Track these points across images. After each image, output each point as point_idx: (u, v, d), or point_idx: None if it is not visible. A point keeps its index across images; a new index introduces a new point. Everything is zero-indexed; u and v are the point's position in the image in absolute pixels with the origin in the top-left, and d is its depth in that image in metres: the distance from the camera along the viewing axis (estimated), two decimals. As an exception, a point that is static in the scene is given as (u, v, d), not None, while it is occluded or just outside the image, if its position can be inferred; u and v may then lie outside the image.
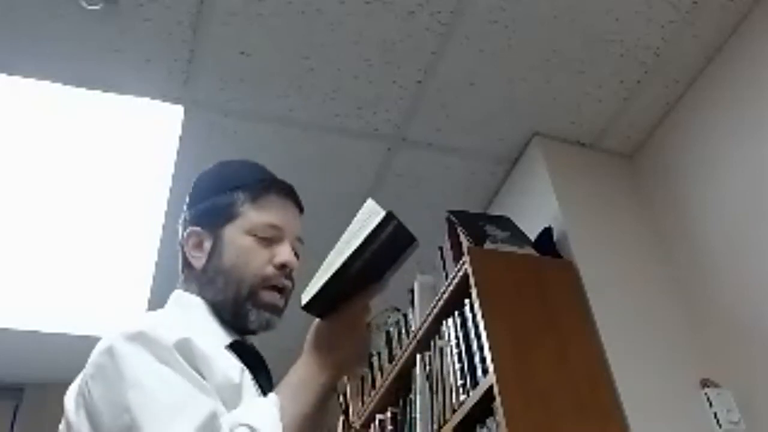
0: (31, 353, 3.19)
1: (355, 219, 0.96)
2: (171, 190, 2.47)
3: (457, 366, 1.99)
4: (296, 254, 1.09)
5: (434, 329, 2.20)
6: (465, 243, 2.09)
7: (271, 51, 2.06)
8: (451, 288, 2.09)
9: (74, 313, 3.02)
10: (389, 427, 2.44)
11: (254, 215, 1.07)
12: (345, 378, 2.72)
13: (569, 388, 1.81)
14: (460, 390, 1.95)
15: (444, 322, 2.14)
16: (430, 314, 2.21)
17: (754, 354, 1.91)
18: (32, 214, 2.53)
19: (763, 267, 1.92)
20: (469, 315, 1.99)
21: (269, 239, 1.06)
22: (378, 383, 2.64)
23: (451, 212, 2.23)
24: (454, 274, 2.09)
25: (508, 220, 2.28)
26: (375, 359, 2.80)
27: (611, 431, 1.79)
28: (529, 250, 2.13)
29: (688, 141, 2.26)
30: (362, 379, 2.90)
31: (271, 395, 0.91)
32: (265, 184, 1.10)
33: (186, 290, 1.08)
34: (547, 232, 2.21)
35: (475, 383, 1.89)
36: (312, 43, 2.05)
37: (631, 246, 2.27)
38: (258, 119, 2.27)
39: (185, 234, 1.10)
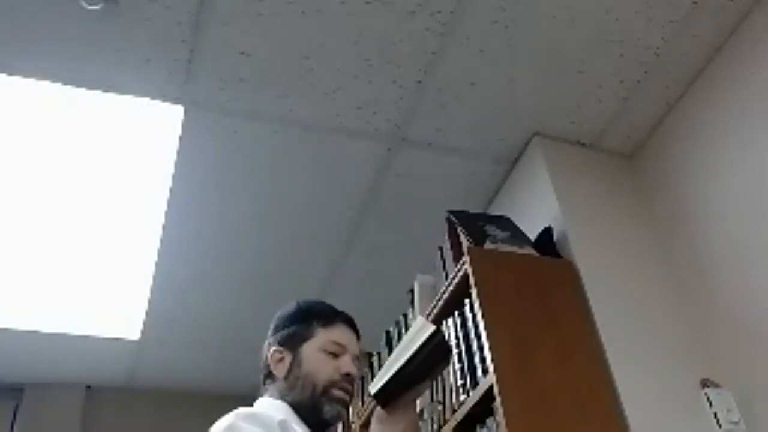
0: (31, 353, 3.19)
1: (410, 329, 1.32)
2: (171, 190, 2.47)
3: (457, 366, 1.99)
4: (356, 368, 1.38)
5: (434, 329, 2.20)
6: (465, 243, 2.09)
7: (271, 51, 2.06)
8: (451, 288, 2.10)
9: (74, 313, 3.03)
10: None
11: (325, 335, 1.38)
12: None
13: (569, 388, 1.81)
14: (460, 390, 1.95)
15: (444, 322, 2.14)
16: (430, 314, 2.21)
17: (754, 354, 1.91)
18: (32, 214, 2.53)
19: (763, 267, 1.92)
20: (469, 315, 2.00)
21: (335, 354, 1.36)
22: (378, 383, 2.64)
23: (451, 212, 2.23)
24: (454, 274, 2.09)
25: (508, 220, 2.28)
26: (375, 359, 2.80)
27: (611, 431, 1.79)
28: (529, 250, 2.13)
29: (688, 141, 2.26)
30: (362, 378, 2.90)
31: None
32: (334, 313, 1.43)
33: (270, 397, 1.35)
34: (547, 232, 2.21)
35: (475, 383, 1.89)
36: (312, 43, 2.05)
37: (631, 246, 2.27)
38: (258, 119, 2.28)
39: (270, 353, 1.38)
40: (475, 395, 1.86)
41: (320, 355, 1.35)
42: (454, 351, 2.02)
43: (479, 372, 1.88)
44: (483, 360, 1.86)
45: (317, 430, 1.30)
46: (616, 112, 2.37)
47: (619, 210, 2.36)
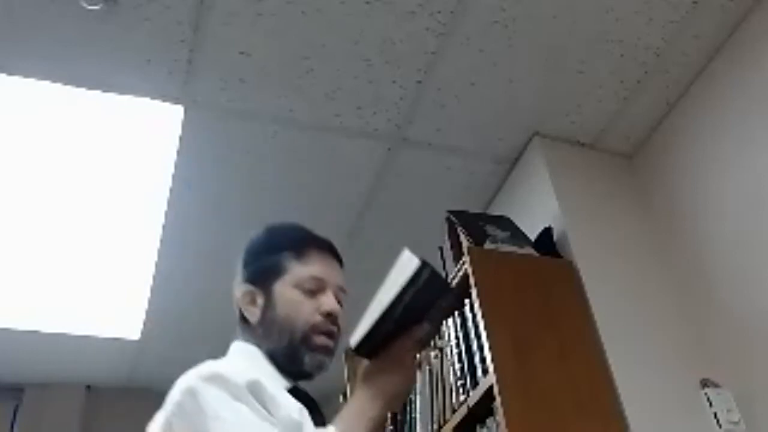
0: (31, 353, 3.19)
1: (394, 267, 1.06)
2: (171, 191, 2.47)
3: (457, 366, 1.99)
4: (340, 303, 1.21)
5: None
6: (465, 243, 2.09)
7: (271, 51, 2.06)
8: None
9: (74, 313, 3.02)
10: (389, 427, 2.44)
11: (299, 270, 1.19)
12: (346, 378, 2.72)
13: (569, 388, 1.81)
14: (460, 390, 1.95)
15: (444, 322, 2.13)
16: (430, 314, 2.20)
17: (754, 354, 1.91)
18: (32, 214, 2.53)
19: (763, 266, 1.92)
20: (469, 315, 1.99)
21: (314, 290, 1.18)
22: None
23: (451, 212, 2.23)
24: (454, 274, 2.09)
25: (508, 220, 2.28)
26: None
27: (611, 431, 1.79)
28: (529, 250, 2.13)
29: (688, 141, 2.26)
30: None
31: (330, 426, 1.02)
32: (306, 242, 1.23)
33: (244, 342, 1.19)
34: (547, 232, 2.21)
35: (475, 383, 1.89)
36: (312, 43, 2.05)
37: (631, 246, 2.27)
38: (258, 119, 2.27)
39: (240, 293, 1.21)
40: (475, 395, 1.86)
41: (296, 293, 1.17)
42: (455, 351, 2.02)
43: (479, 372, 1.88)
44: (483, 360, 1.86)
45: (298, 380, 1.16)
46: (616, 112, 2.37)
47: (619, 210, 2.36)
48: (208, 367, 1.03)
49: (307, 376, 1.16)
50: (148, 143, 2.32)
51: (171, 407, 1.00)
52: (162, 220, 2.58)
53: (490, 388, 1.78)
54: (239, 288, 1.22)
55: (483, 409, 1.86)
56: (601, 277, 2.10)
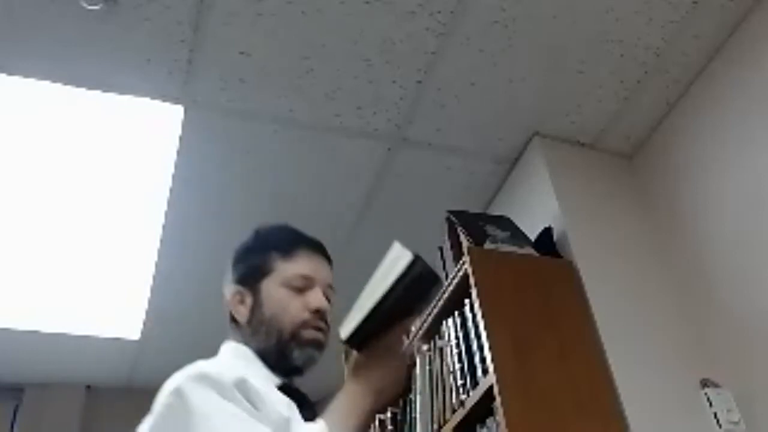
0: (31, 353, 3.19)
1: (385, 259, 1.07)
2: (171, 191, 2.47)
3: (457, 366, 1.99)
4: (329, 300, 1.21)
5: (434, 329, 2.20)
6: (465, 243, 2.09)
7: (271, 51, 2.06)
8: (451, 288, 2.09)
9: (74, 313, 3.02)
10: (389, 427, 2.44)
11: (286, 268, 1.19)
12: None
13: (569, 388, 1.81)
14: (460, 390, 1.95)
15: (444, 322, 2.14)
16: (430, 314, 2.21)
17: (754, 354, 1.91)
18: (32, 214, 2.53)
19: (763, 266, 1.92)
20: (469, 315, 1.99)
21: (302, 288, 1.18)
22: (378, 383, 2.63)
23: (451, 212, 2.23)
24: (454, 274, 2.09)
25: (508, 220, 2.28)
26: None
27: (611, 431, 1.79)
28: (529, 250, 2.13)
29: (688, 141, 2.26)
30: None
31: (320, 421, 1.01)
32: (294, 241, 1.24)
33: (235, 341, 1.19)
34: (547, 232, 2.21)
35: (475, 383, 1.89)
36: (312, 43, 2.05)
37: (631, 246, 2.27)
38: (258, 119, 2.27)
39: (229, 293, 1.22)
40: (475, 395, 1.86)
41: (283, 292, 1.17)
42: (455, 351, 2.02)
43: (479, 372, 1.88)
44: (483, 360, 1.86)
45: (290, 376, 1.16)
46: (616, 112, 2.37)
47: (619, 210, 2.36)
48: (196, 367, 1.03)
49: (298, 371, 1.16)
50: (148, 143, 2.32)
51: (159, 409, 1.00)
52: (162, 220, 2.58)
53: (490, 388, 1.78)
54: (228, 289, 1.23)
55: (483, 409, 1.86)
56: (601, 277, 2.10)
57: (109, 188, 2.47)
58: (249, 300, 1.19)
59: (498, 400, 1.73)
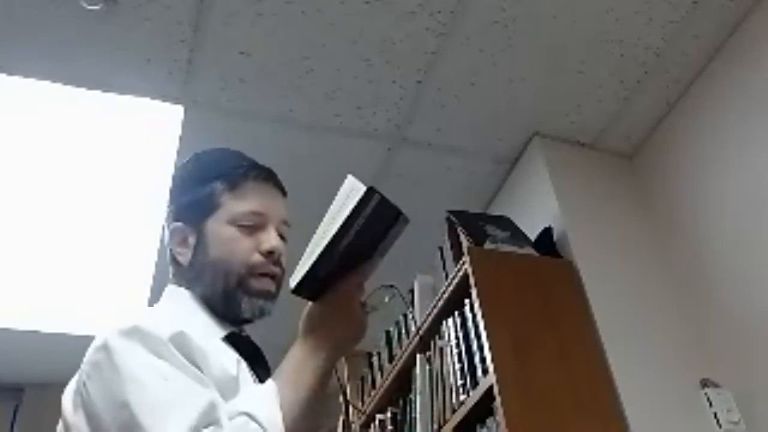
0: (31, 353, 3.19)
1: (337, 196, 0.95)
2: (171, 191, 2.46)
3: (457, 366, 1.99)
4: (283, 238, 1.08)
5: (434, 329, 2.20)
6: (465, 243, 2.09)
7: (271, 51, 2.06)
8: (451, 288, 2.09)
9: (74, 313, 3.02)
10: (389, 427, 2.44)
11: (234, 204, 1.05)
12: (346, 379, 2.72)
13: (569, 388, 1.81)
14: (460, 390, 1.95)
15: (444, 322, 2.14)
16: (430, 314, 2.21)
17: (754, 354, 1.91)
18: (32, 214, 2.53)
19: (763, 266, 1.92)
20: (469, 315, 1.99)
21: (253, 227, 1.04)
22: (378, 383, 2.64)
23: (451, 212, 2.23)
24: (454, 274, 2.08)
25: (508, 220, 2.28)
26: (375, 359, 2.80)
27: (611, 431, 1.79)
28: (529, 250, 2.13)
29: (688, 141, 2.26)
30: (362, 379, 2.90)
31: (269, 381, 0.89)
32: (242, 171, 1.08)
33: (177, 285, 1.06)
34: (547, 232, 2.21)
35: (475, 383, 1.89)
36: (312, 43, 2.05)
37: (631, 246, 2.27)
38: (258, 119, 2.27)
39: (169, 231, 1.09)
40: (475, 395, 1.86)
41: (231, 231, 1.03)
42: (455, 351, 2.02)
43: (479, 372, 1.88)
44: (483, 360, 1.86)
45: (239, 325, 1.04)
46: (616, 112, 2.37)
47: (619, 210, 2.36)
48: (128, 318, 0.88)
49: (247, 321, 1.04)
50: (148, 143, 2.32)
51: (84, 367, 0.88)
52: (162, 220, 2.57)
53: (490, 388, 1.78)
54: (168, 225, 1.09)
55: (483, 409, 1.86)
56: (601, 277, 2.10)
57: (109, 188, 2.47)
58: (192, 239, 1.04)
59: (498, 400, 1.73)
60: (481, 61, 2.16)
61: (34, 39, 1.94)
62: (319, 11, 1.96)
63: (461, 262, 2.04)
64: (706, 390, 1.91)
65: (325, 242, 0.91)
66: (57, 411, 1.01)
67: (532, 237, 2.21)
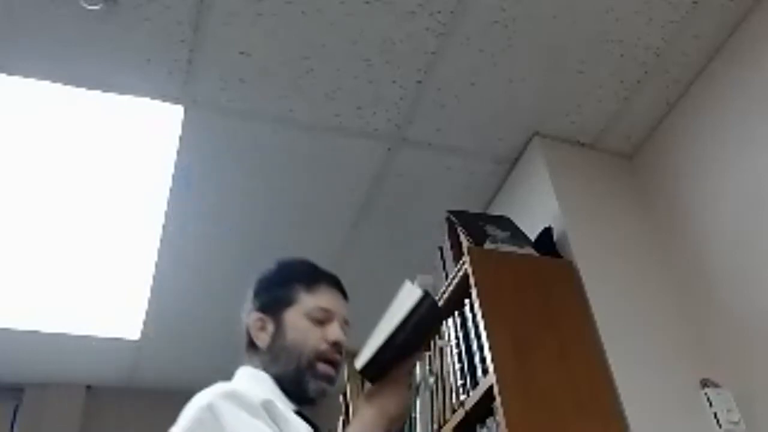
0: (31, 353, 3.19)
1: (396, 298, 1.17)
2: (171, 191, 2.47)
3: (457, 366, 1.99)
4: (344, 333, 1.29)
5: (434, 329, 2.20)
6: (465, 243, 2.09)
7: (271, 51, 2.06)
8: (451, 288, 2.10)
9: (74, 313, 3.02)
10: (389, 427, 2.44)
11: (309, 300, 1.27)
12: (346, 379, 2.72)
13: (569, 388, 1.81)
14: (460, 390, 1.95)
15: (444, 322, 2.13)
16: (430, 314, 2.20)
17: (754, 354, 1.91)
18: (32, 214, 2.53)
19: (763, 267, 1.92)
20: (469, 315, 1.99)
21: (322, 320, 1.26)
22: (378, 383, 2.63)
23: (451, 212, 2.23)
24: (454, 274, 2.09)
25: (508, 220, 2.28)
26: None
27: (611, 431, 1.79)
28: (529, 250, 2.13)
29: (688, 141, 2.26)
30: (362, 379, 2.90)
31: None
32: (317, 276, 1.32)
33: (252, 367, 1.25)
34: (547, 232, 2.21)
35: (475, 383, 1.89)
36: (312, 43, 2.05)
37: (631, 246, 2.27)
38: (258, 119, 2.27)
39: (251, 320, 1.28)
40: (475, 395, 1.86)
41: (305, 322, 1.25)
42: (455, 351, 2.02)
43: (479, 372, 1.88)
44: (483, 360, 1.86)
45: (302, 405, 1.21)
46: (616, 112, 2.37)
47: (619, 210, 2.36)
48: (223, 386, 1.10)
49: (310, 401, 1.22)
50: (148, 143, 2.32)
51: (189, 423, 1.04)
52: (162, 220, 2.58)
53: (490, 388, 1.78)
54: (250, 315, 1.29)
55: (483, 409, 1.86)
56: (601, 277, 2.10)
57: (109, 188, 2.47)
58: (270, 327, 1.26)
59: (498, 400, 1.73)
60: (481, 61, 2.16)
61: (34, 39, 1.94)
62: (319, 11, 1.96)
63: (461, 262, 2.04)
64: (706, 390, 1.91)
65: (386, 335, 1.14)
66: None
67: (532, 237, 2.21)
